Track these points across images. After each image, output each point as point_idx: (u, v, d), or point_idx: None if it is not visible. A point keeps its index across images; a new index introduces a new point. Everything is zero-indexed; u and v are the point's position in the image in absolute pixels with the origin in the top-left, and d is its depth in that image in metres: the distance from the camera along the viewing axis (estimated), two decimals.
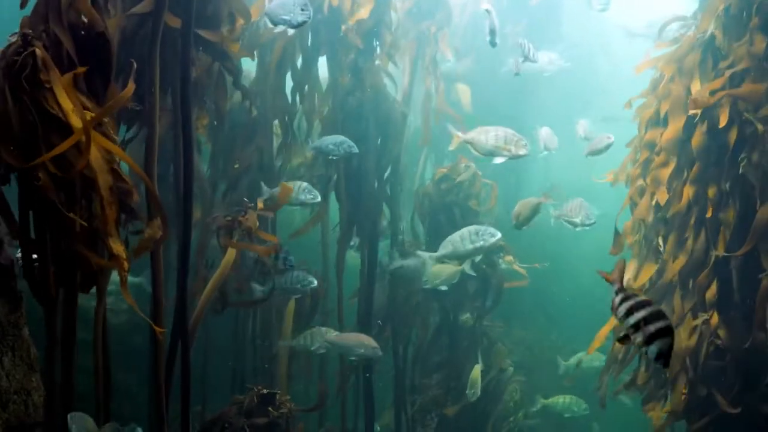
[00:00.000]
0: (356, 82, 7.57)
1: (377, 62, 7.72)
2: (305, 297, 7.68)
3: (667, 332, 2.96)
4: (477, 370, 7.97)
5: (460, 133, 6.12)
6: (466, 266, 7.11)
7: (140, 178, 4.10)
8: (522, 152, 5.88)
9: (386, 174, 8.02)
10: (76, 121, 3.32)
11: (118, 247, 3.30)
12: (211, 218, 6.21)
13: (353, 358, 7.16)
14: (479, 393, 7.83)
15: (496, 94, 11.16)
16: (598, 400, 7.04)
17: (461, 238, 6.90)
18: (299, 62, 7.45)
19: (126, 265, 3.36)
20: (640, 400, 6.64)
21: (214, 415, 6.07)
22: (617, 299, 3.13)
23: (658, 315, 3.00)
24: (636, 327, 3.02)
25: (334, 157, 6.85)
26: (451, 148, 6.56)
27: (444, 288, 7.49)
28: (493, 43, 6.30)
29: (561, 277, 11.92)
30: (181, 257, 4.98)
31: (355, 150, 6.74)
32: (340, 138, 6.75)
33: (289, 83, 7.50)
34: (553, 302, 11.99)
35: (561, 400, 9.46)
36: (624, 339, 3.09)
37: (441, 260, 7.20)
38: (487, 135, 5.92)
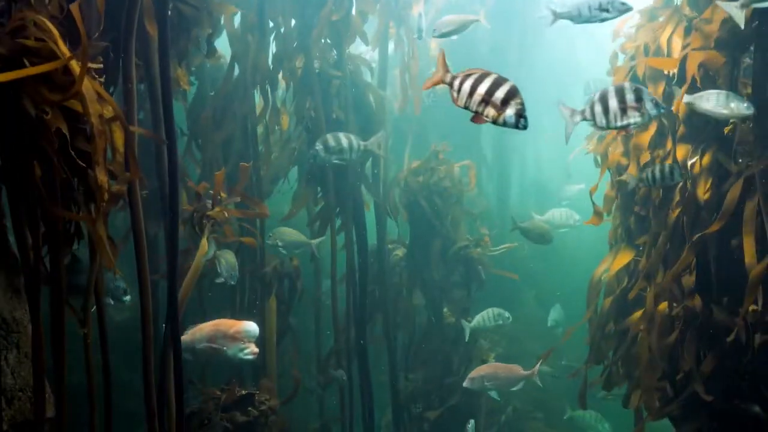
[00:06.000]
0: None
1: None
2: (284, 281, 7.61)
3: (515, 93, 2.91)
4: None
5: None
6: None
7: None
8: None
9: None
10: (64, 49, 3.24)
11: (103, 178, 3.19)
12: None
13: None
14: None
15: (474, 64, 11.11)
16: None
17: None
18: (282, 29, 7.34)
19: (106, 195, 3.25)
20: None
21: (192, 408, 6.05)
22: (456, 83, 3.02)
23: (500, 81, 2.94)
24: (485, 102, 2.94)
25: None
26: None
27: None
28: None
29: (555, 268, 11.94)
30: (169, 239, 4.90)
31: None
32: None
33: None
34: (547, 294, 11.99)
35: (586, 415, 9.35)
36: (476, 118, 3.00)
37: None
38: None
